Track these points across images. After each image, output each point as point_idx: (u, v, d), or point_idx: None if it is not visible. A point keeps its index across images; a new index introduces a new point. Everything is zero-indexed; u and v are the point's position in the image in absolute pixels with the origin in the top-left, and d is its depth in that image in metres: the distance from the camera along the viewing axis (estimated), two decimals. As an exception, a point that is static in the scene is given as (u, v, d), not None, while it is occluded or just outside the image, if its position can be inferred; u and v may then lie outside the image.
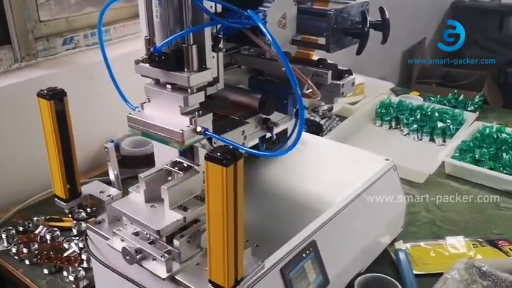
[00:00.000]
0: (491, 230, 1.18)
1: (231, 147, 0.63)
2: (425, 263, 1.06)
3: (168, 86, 0.77)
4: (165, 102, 0.77)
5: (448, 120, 1.62)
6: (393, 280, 0.95)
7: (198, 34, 0.73)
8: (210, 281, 0.69)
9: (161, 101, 0.78)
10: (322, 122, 1.65)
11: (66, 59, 1.43)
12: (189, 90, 0.74)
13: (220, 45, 0.78)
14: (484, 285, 0.94)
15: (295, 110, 0.98)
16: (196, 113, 0.75)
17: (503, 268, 0.96)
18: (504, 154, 1.39)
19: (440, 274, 0.96)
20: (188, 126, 0.74)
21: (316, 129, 1.61)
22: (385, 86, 2.01)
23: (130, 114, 0.80)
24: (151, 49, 0.73)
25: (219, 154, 0.61)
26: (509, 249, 1.08)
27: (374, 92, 1.89)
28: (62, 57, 1.43)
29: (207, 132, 0.75)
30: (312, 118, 1.65)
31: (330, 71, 0.92)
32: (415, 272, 1.02)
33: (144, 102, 0.81)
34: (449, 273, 0.94)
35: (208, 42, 0.75)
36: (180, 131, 0.73)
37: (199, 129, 0.75)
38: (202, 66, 0.75)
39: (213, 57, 0.77)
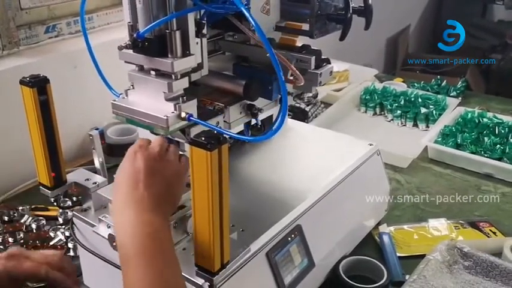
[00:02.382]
0: (473, 212, 1.20)
1: (215, 132, 0.63)
2: (409, 245, 1.08)
3: (152, 72, 0.77)
4: (149, 88, 0.78)
5: (431, 106, 1.65)
6: (377, 262, 0.97)
7: (181, 20, 0.73)
8: (197, 265, 0.70)
9: (145, 87, 0.78)
10: (307, 108, 1.66)
11: (49, 47, 1.41)
12: (173, 76, 0.74)
13: (204, 31, 0.78)
14: (465, 265, 0.96)
15: (279, 96, 0.99)
16: (181, 99, 0.76)
17: (484, 249, 0.99)
18: (485, 138, 1.41)
19: (423, 256, 0.98)
20: (173, 112, 0.75)
21: (302, 116, 1.62)
22: (370, 72, 2.02)
23: (114, 101, 0.80)
24: (135, 35, 0.73)
25: (203, 139, 0.61)
26: (490, 230, 1.11)
27: (359, 78, 1.90)
28: (45, 45, 1.41)
29: (191, 118, 0.75)
30: (298, 105, 1.66)
31: (314, 57, 0.93)
32: (398, 254, 1.04)
33: (128, 89, 0.81)
34: (432, 254, 0.96)
35: (191, 28, 0.75)
36: (165, 117, 0.74)
37: (183, 115, 0.75)
38: (186, 52, 0.75)
39: (197, 43, 0.77)
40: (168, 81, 0.74)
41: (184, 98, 0.76)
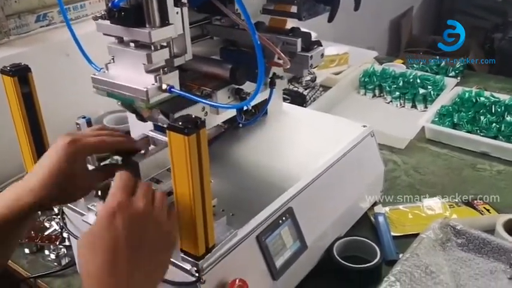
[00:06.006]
0: (468, 190, 1.19)
1: (193, 115, 0.63)
2: (403, 225, 1.08)
3: (132, 44, 0.74)
4: (129, 61, 0.75)
5: (429, 87, 1.63)
6: (370, 242, 0.97)
7: (157, -13, 0.70)
8: (182, 250, 0.70)
9: (125, 60, 0.76)
10: (305, 92, 1.64)
11: (41, 36, 1.39)
12: (152, 47, 0.72)
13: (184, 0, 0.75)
14: (458, 242, 0.96)
15: (269, 79, 0.98)
16: (161, 71, 0.74)
17: (477, 226, 0.98)
18: (482, 117, 1.40)
19: (417, 235, 0.98)
20: (153, 84, 0.72)
21: (300, 100, 1.61)
22: (370, 54, 2.00)
23: (94, 75, 0.78)
24: (110, 4, 0.71)
25: (180, 123, 0.61)
26: (484, 208, 1.10)
27: (358, 61, 1.88)
28: (36, 34, 1.39)
29: (172, 89, 0.73)
30: (296, 89, 1.65)
31: (300, 39, 0.91)
32: (393, 233, 1.04)
33: (109, 63, 0.78)
34: (425, 233, 0.96)
35: (169, -4, 0.71)
36: (145, 89, 0.71)
37: (164, 86, 0.72)
38: (164, 22, 0.72)
39: (177, 12, 0.74)
40: (147, 52, 0.72)
41: (165, 69, 0.74)
